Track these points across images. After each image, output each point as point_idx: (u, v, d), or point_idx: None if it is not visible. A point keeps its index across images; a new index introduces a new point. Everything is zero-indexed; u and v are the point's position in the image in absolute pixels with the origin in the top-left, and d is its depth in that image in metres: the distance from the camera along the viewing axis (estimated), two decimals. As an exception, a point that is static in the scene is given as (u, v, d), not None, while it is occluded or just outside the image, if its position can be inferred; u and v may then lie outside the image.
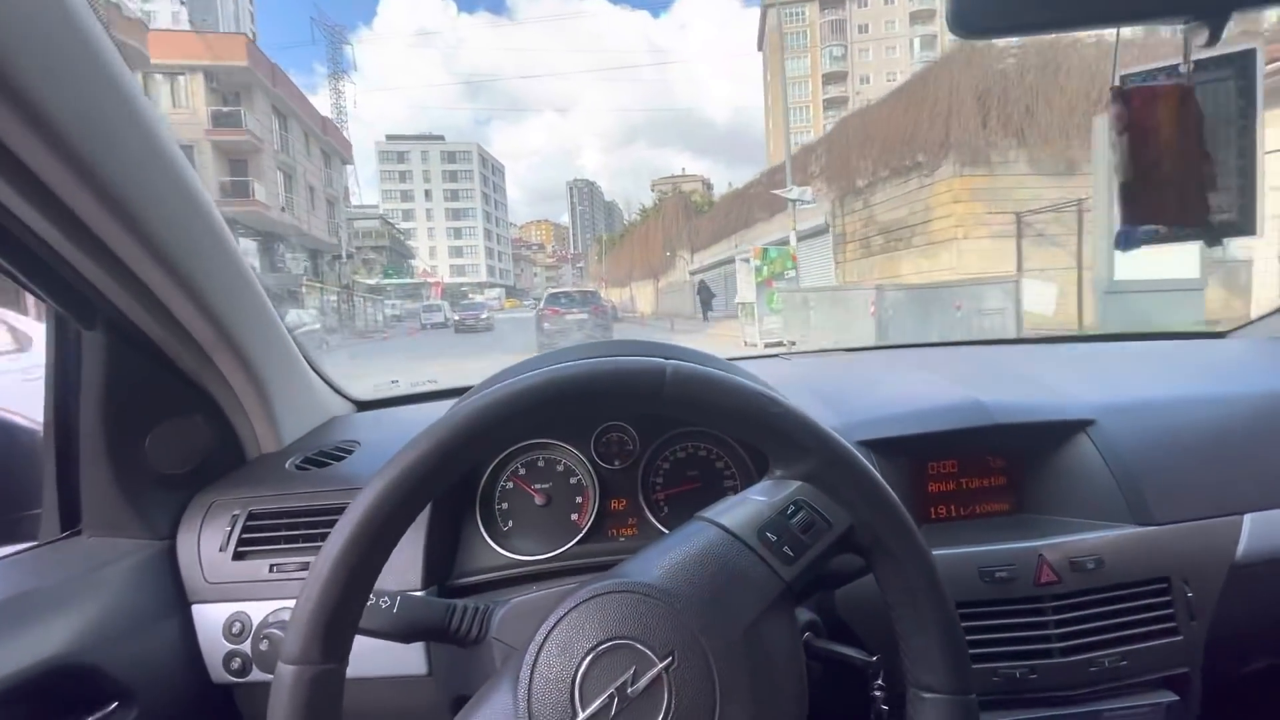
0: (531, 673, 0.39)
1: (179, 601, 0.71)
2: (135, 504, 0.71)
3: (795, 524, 0.44)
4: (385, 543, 0.39)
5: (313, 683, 0.37)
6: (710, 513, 0.47)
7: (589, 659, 0.39)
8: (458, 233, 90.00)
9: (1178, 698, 0.69)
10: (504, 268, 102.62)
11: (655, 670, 0.38)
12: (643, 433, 0.80)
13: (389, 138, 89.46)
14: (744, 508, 0.46)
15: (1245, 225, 0.50)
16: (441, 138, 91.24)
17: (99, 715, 0.59)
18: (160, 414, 0.73)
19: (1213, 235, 0.52)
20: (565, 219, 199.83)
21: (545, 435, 0.80)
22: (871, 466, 0.46)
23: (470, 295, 73.38)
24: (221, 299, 0.69)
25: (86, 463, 0.69)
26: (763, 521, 0.44)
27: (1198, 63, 0.49)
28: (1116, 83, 0.52)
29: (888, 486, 0.45)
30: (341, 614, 0.38)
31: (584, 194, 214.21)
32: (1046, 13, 0.47)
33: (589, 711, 0.37)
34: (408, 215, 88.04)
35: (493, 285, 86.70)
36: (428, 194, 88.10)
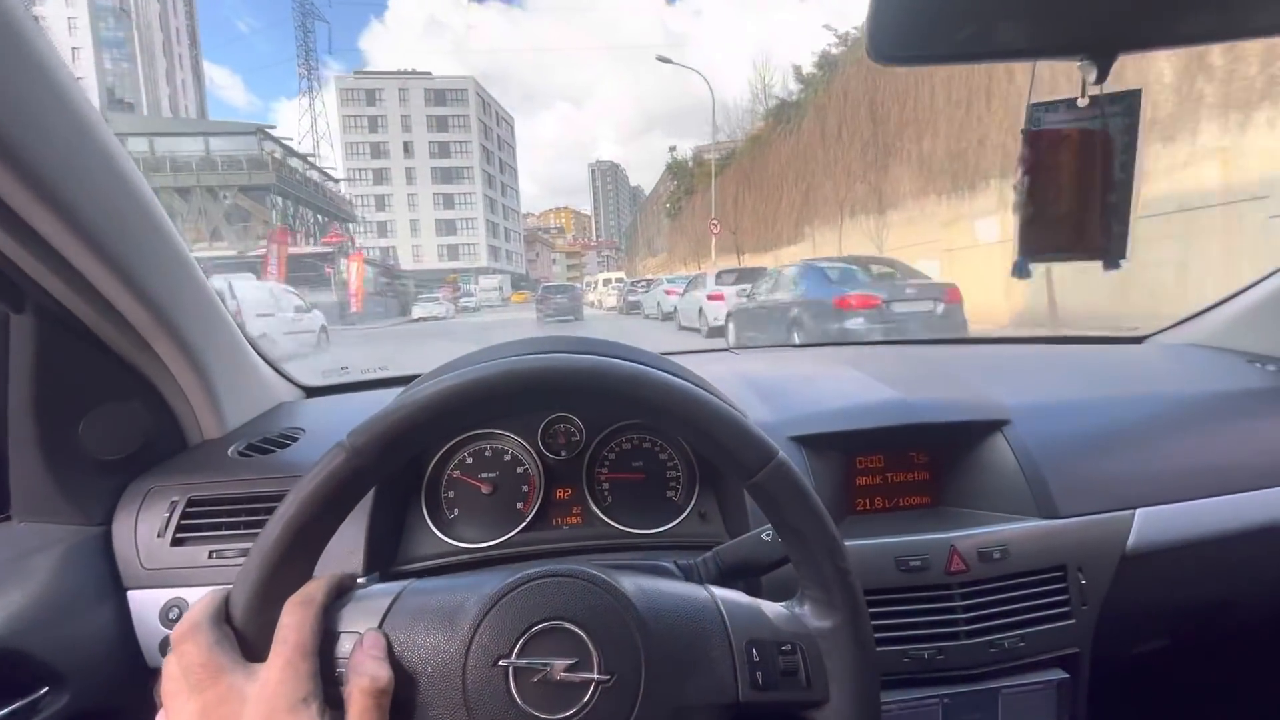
0: (493, 606, 0.40)
1: (114, 587, 0.70)
2: (68, 490, 0.69)
3: (782, 661, 0.43)
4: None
5: (355, 472, 0.40)
6: (719, 592, 0.46)
7: (548, 624, 0.40)
8: (448, 200, 66.56)
9: (1068, 675, 0.74)
10: (513, 250, 78.88)
11: (591, 677, 0.39)
12: (589, 424, 0.82)
13: (357, 73, 66.45)
14: (749, 612, 0.45)
15: (1120, 250, 0.56)
16: (429, 74, 67.85)
17: (29, 699, 0.59)
18: (95, 399, 0.71)
19: (1106, 259, 0.57)
20: (586, 209, 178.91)
21: (493, 425, 0.81)
22: (876, 664, 0.45)
23: (461, 285, 50.47)
24: (157, 283, 0.68)
25: (15, 448, 0.67)
26: (758, 637, 0.43)
27: (1093, 98, 0.54)
28: (1026, 117, 0.57)
29: (879, 693, 0.44)
30: (407, 438, 0.41)
31: (608, 176, 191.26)
32: (954, 48, 0.52)
33: (520, 662, 0.39)
34: (381, 176, 64.91)
35: (493, 271, 62.86)
36: (408, 148, 64.87)
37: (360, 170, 64.09)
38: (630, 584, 0.43)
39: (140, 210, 0.65)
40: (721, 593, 0.46)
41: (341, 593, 0.42)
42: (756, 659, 0.42)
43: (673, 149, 31.06)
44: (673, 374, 0.46)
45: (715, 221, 18.24)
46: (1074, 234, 0.57)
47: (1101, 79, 0.52)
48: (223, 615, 0.39)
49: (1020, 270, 0.59)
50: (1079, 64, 0.52)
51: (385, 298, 29.82)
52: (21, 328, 0.64)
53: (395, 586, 0.43)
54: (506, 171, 76.35)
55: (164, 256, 0.69)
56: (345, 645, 0.39)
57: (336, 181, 37.39)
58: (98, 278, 0.62)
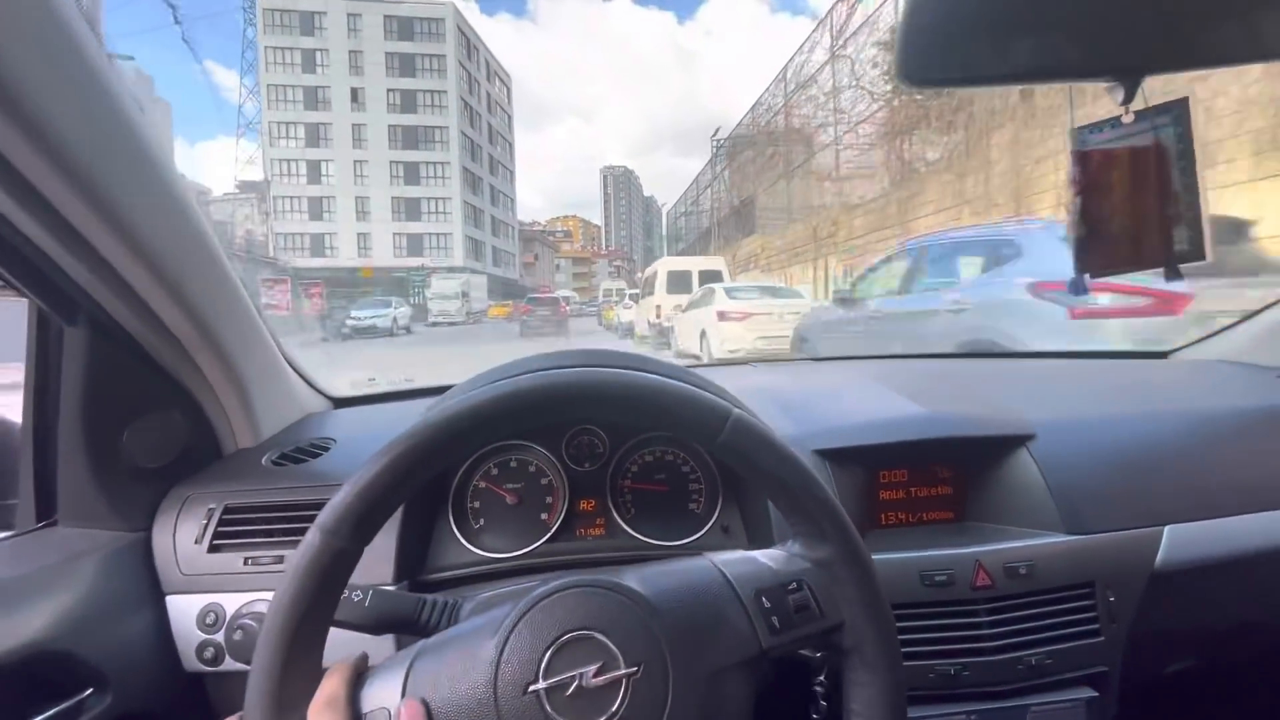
0: (506, 640, 0.41)
1: (153, 592, 0.72)
2: (111, 496, 0.72)
3: (792, 600, 0.45)
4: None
5: (335, 555, 0.40)
6: (718, 558, 0.48)
7: (564, 639, 0.41)
8: (412, 173, 47.67)
9: (1097, 694, 0.73)
10: (502, 248, 59.65)
11: (619, 673, 0.40)
12: (613, 436, 0.83)
13: (294, -5, 47.74)
14: (750, 566, 0.47)
15: (1197, 253, 0.56)
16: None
17: (74, 701, 0.60)
18: (138, 408, 0.74)
19: (1171, 266, 0.57)
20: (596, 219, 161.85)
21: (517, 437, 0.83)
22: (876, 577, 0.47)
23: (413, 286, 31.47)
24: (203, 298, 0.71)
25: (64, 455, 0.70)
26: (764, 585, 0.46)
27: (1139, 113, 0.55)
28: (1072, 140, 0.58)
29: (888, 603, 0.47)
30: (378, 508, 0.42)
31: (621, 182, 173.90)
32: (982, 71, 0.53)
33: (549, 683, 0.39)
34: (317, 135, 46.11)
35: (466, 271, 43.46)
36: (356, 96, 46.18)
37: (287, 125, 45.27)
38: (631, 576, 0.45)
39: (188, 226, 0.67)
40: (718, 555, 0.49)
41: (357, 675, 0.42)
42: (768, 605, 0.44)
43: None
44: (630, 368, 0.48)
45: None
46: (1131, 249, 0.58)
47: (1128, 100, 0.53)
48: None
49: (1076, 287, 0.60)
50: (1106, 86, 0.53)
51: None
52: (74, 340, 0.67)
53: (406, 654, 0.43)
54: (498, 144, 57.60)
55: (209, 269, 0.72)
56: None
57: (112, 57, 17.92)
58: (148, 291, 0.65)
